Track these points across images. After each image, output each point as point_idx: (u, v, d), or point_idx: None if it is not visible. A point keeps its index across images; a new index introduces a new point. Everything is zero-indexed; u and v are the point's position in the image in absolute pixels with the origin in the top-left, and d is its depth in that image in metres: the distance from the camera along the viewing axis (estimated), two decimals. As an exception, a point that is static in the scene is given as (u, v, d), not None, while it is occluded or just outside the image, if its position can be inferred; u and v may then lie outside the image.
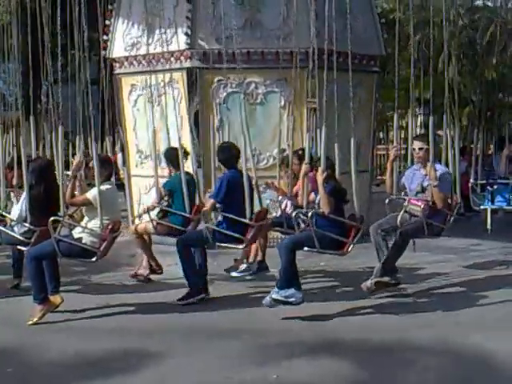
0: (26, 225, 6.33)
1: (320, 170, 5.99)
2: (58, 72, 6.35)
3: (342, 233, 6.00)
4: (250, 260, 7.21)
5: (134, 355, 5.09)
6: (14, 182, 7.15)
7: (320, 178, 5.94)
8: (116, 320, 5.96)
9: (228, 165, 6.71)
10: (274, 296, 5.82)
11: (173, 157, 7.23)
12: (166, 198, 7.16)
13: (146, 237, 7.27)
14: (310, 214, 5.91)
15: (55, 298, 5.98)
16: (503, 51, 12.23)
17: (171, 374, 4.77)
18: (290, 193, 7.08)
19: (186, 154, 7.35)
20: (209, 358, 5.02)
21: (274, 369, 4.75)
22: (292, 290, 5.80)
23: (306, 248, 5.93)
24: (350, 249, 6.05)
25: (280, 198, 7.49)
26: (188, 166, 7.39)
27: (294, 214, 6.32)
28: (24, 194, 6.40)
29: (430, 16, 7.42)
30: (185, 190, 6.84)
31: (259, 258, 7.19)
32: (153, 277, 7.33)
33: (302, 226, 6.29)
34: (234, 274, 7.17)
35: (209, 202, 6.55)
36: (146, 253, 7.27)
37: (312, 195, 6.40)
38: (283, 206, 7.15)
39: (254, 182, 6.74)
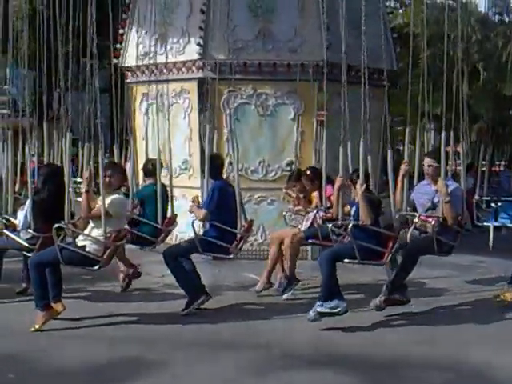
0: (30, 231, 6.34)
1: (359, 182, 6.03)
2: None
3: (380, 243, 6.04)
4: (288, 274, 7.02)
5: (135, 364, 5.09)
6: (16, 188, 7.16)
7: (360, 190, 5.98)
8: (118, 329, 5.94)
9: (213, 175, 6.73)
10: (320, 309, 5.85)
11: (146, 168, 7.35)
12: (138, 208, 7.20)
13: None
14: (350, 226, 5.95)
15: (57, 306, 5.97)
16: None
17: (170, 385, 4.76)
18: (325, 205, 7.03)
19: (161, 165, 7.42)
20: (209, 369, 5.00)
21: (274, 381, 4.72)
22: (336, 301, 5.86)
23: (346, 260, 5.99)
24: (388, 259, 6.11)
25: (291, 209, 7.51)
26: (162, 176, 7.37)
27: (330, 227, 6.32)
28: (28, 200, 6.40)
29: (443, 31, 7.37)
30: (159, 200, 6.88)
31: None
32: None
33: (334, 237, 6.32)
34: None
35: (202, 212, 6.50)
36: (121, 260, 7.25)
37: (347, 207, 6.45)
38: (311, 218, 7.11)
39: (238, 193, 6.69)
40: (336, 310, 5.84)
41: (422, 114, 7.99)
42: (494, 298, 6.80)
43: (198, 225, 6.67)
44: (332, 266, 5.90)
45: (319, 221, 7.02)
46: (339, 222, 6.28)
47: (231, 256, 6.58)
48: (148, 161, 7.64)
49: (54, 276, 6.00)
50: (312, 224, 7.10)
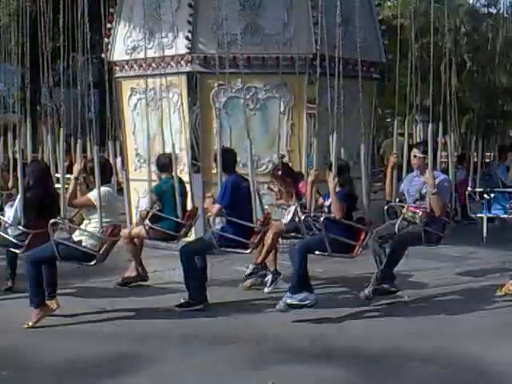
0: (20, 227, 6.31)
1: (331, 175, 6.03)
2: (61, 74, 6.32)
3: (352, 236, 6.07)
4: (258, 261, 7.04)
5: (129, 360, 5.10)
6: (10, 184, 7.12)
7: (332, 184, 5.99)
8: (112, 324, 5.94)
9: (227, 169, 6.68)
10: (289, 301, 5.88)
11: (161, 162, 7.22)
12: (157, 203, 7.09)
13: (136, 242, 7.23)
14: (321, 219, 5.96)
15: (51, 303, 5.97)
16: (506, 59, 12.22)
17: (164, 380, 4.76)
18: (303, 201, 7.03)
19: (176, 159, 7.33)
20: (203, 364, 5.01)
21: (269, 376, 4.73)
22: (305, 293, 5.89)
23: (317, 252, 6.02)
24: (359, 252, 6.12)
25: (278, 202, 7.53)
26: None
27: (302, 219, 6.37)
28: (19, 197, 6.38)
29: (431, 23, 7.40)
30: (177, 194, 6.80)
31: (272, 267, 7.06)
32: (150, 282, 7.32)
33: (316, 231, 6.30)
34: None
35: (215, 208, 6.44)
36: (135, 258, 7.24)
37: (320, 199, 6.46)
38: (292, 211, 7.12)
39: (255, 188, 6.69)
40: (305, 303, 5.87)
41: (410, 105, 8.04)
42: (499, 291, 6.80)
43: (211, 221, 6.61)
44: (303, 257, 5.91)
45: (300, 214, 7.02)
46: (312, 214, 6.32)
47: (249, 251, 6.53)
48: (161, 155, 7.50)
49: (50, 273, 6.00)
50: (293, 217, 7.11)
